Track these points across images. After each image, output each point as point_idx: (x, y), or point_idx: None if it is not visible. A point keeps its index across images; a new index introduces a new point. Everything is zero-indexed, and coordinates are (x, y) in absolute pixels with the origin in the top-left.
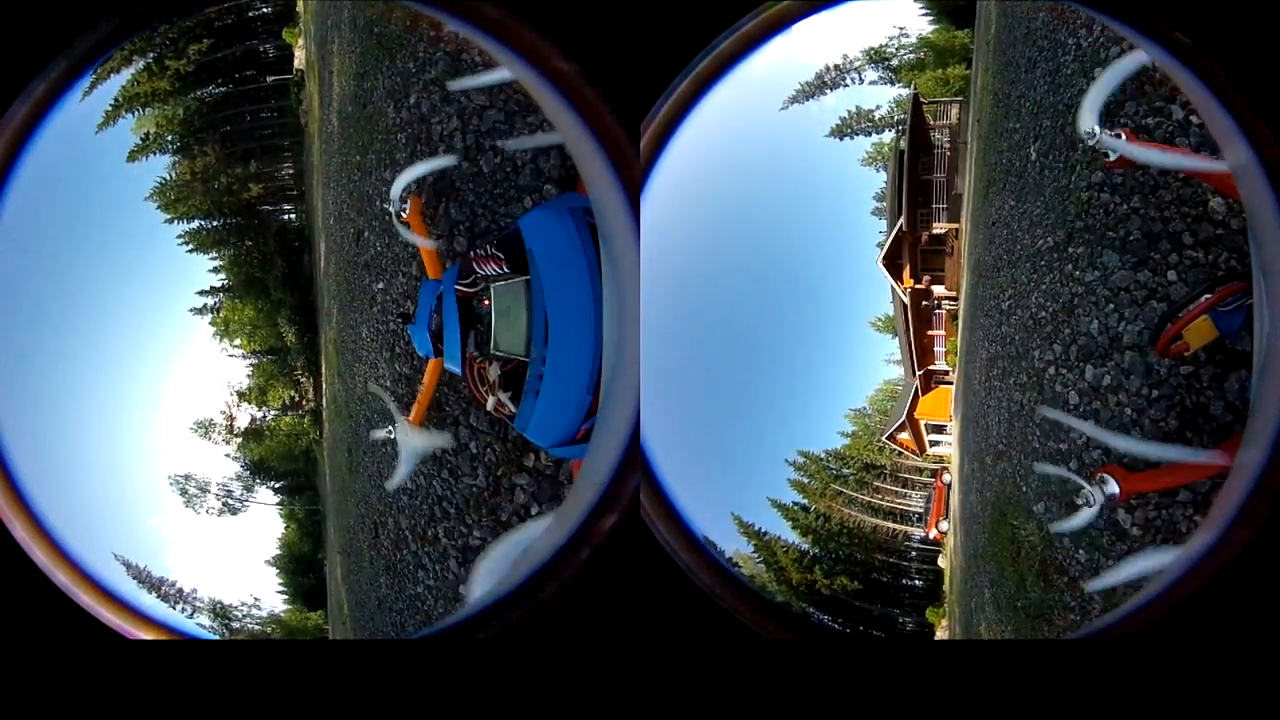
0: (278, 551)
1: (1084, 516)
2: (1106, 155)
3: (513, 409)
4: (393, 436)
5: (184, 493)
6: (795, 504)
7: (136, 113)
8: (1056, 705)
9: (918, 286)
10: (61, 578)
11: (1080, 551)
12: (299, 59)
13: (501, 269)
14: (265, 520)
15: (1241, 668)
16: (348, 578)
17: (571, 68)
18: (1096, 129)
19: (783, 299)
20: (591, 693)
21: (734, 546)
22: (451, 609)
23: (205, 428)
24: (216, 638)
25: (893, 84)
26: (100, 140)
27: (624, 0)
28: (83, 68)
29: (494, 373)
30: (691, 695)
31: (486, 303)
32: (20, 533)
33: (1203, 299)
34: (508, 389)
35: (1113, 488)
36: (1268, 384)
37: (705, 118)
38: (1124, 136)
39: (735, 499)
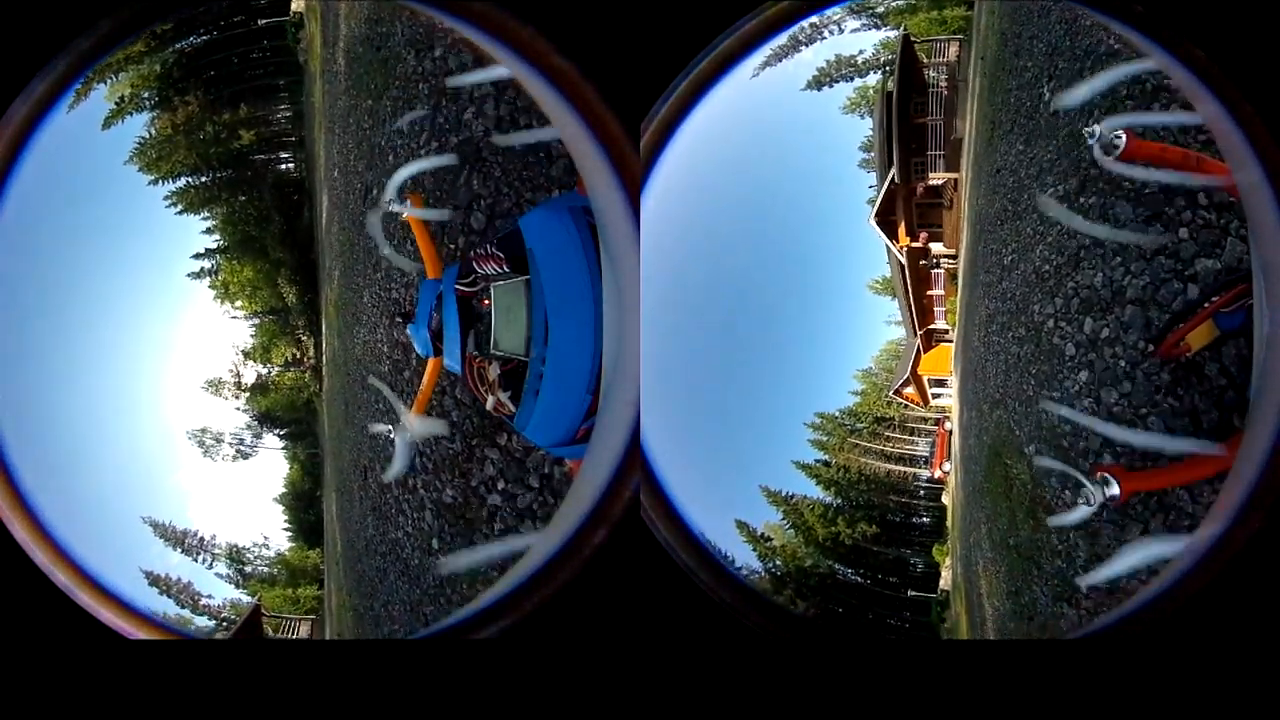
0: (283, 489)
1: (1082, 513)
2: (1109, 153)
3: (512, 408)
4: (391, 435)
5: (201, 444)
6: (818, 461)
7: (110, 80)
8: (1057, 705)
9: (914, 245)
10: (61, 578)
11: (1066, 492)
12: (297, 2)
13: (501, 269)
14: (272, 463)
15: (1241, 668)
16: (341, 515)
17: (572, 68)
18: (1097, 129)
19: (783, 280)
20: (592, 693)
21: (764, 519)
22: (426, 562)
23: (215, 386)
24: (216, 638)
25: (878, 29)
26: (74, 117)
27: (624, 0)
28: (83, 67)
29: (494, 372)
30: (692, 695)
31: (486, 302)
32: (20, 533)
33: (1207, 304)
34: (507, 388)
35: (1113, 488)
36: (1268, 384)
37: (704, 117)
38: (1124, 138)
39: (761, 472)
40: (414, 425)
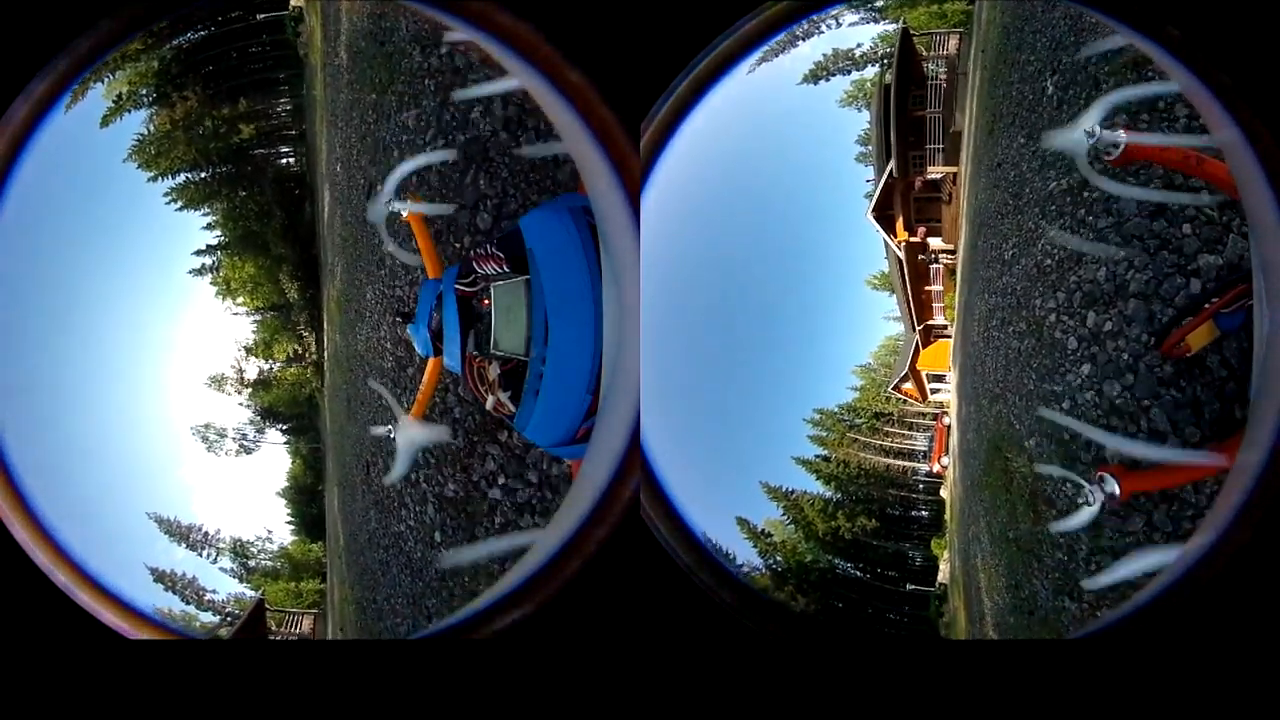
0: (286, 484)
1: (1085, 516)
2: (1109, 153)
3: (512, 408)
4: (392, 435)
5: (205, 439)
6: (818, 456)
7: (107, 78)
8: (1058, 704)
9: (913, 240)
10: (61, 578)
11: (1066, 485)
12: None
13: (501, 269)
14: (275, 457)
15: (1242, 667)
16: (344, 509)
17: (572, 69)
18: (1097, 128)
19: (782, 276)
20: (592, 693)
21: (764, 515)
22: (428, 555)
23: (219, 381)
24: (216, 638)
25: (877, 22)
26: (72, 116)
27: (624, 1)
28: (83, 67)
29: (494, 372)
30: (692, 695)
31: (486, 302)
32: (20, 534)
33: (1207, 305)
34: (507, 388)
35: (1113, 487)
36: (1268, 383)
37: (702, 114)
38: (1124, 134)
39: (761, 468)
40: (415, 432)
